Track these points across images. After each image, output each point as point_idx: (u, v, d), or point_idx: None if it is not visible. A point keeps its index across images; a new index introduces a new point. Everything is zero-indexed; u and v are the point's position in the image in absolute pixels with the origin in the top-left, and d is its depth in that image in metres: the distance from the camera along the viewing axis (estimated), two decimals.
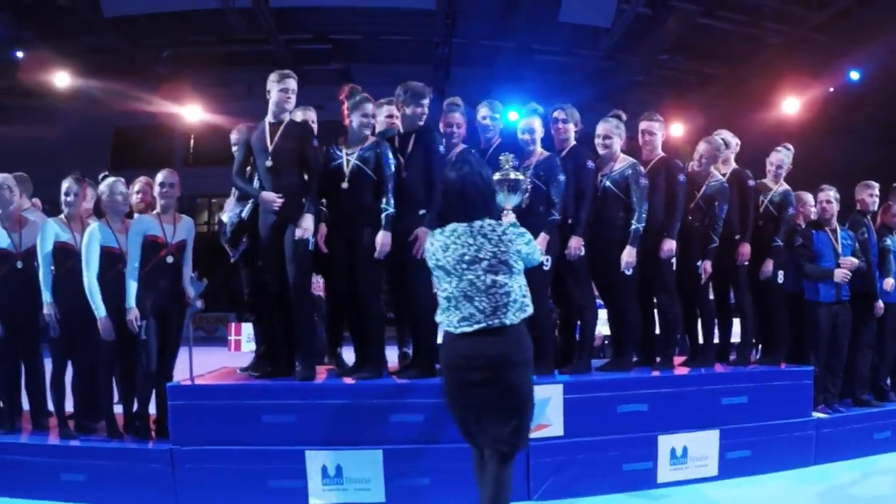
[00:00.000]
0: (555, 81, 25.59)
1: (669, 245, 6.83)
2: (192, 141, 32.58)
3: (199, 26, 24.82)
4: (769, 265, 7.39)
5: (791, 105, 23.22)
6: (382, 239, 6.25)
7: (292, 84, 6.47)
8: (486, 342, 4.40)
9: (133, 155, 31.46)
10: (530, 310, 4.57)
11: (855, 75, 22.35)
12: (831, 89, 23.44)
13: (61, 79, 24.67)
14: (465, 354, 4.43)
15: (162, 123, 30.01)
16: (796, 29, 21.71)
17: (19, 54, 24.24)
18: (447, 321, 4.53)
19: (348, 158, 6.40)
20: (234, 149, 6.86)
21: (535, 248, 4.69)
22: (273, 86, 6.46)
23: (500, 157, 5.37)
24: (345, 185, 6.36)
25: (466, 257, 4.44)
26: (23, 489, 6.31)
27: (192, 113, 27.15)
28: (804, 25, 21.44)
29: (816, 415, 7.15)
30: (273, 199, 6.26)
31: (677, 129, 25.04)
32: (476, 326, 4.42)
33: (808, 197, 8.01)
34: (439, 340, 6.56)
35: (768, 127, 22.68)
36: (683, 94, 28.15)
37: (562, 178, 6.53)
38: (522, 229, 4.63)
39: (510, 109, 19.44)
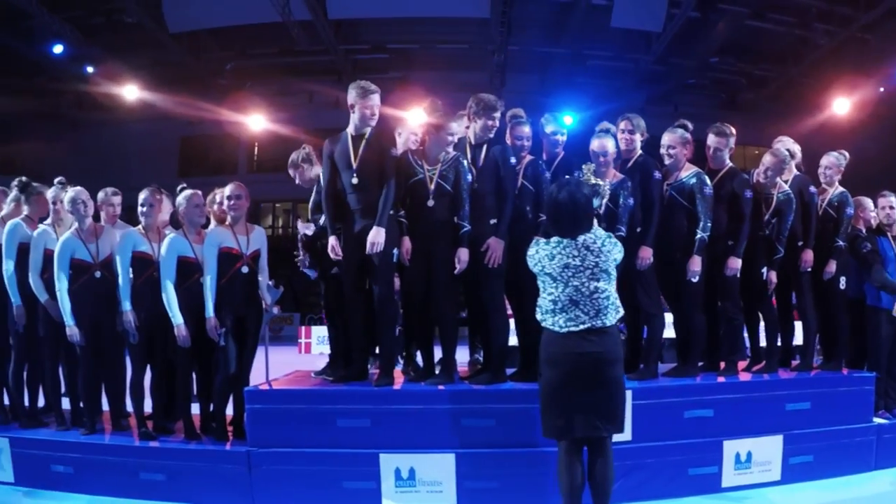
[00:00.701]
0: (607, 86, 25.52)
1: (735, 264, 6.75)
2: (255, 149, 32.90)
3: (260, 39, 25.18)
4: (832, 266, 7.25)
5: (841, 105, 22.81)
6: (463, 256, 6.26)
7: (376, 100, 6.40)
8: (589, 341, 4.87)
9: (199, 163, 32.03)
10: (622, 311, 5.09)
11: None
12: (881, 89, 22.98)
13: (130, 92, 25.16)
14: (571, 351, 4.88)
15: (227, 132, 30.38)
16: (845, 29, 21.40)
17: (89, 69, 24.68)
18: (552, 321, 4.97)
19: (430, 175, 6.38)
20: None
21: (622, 253, 5.16)
22: (357, 101, 6.37)
23: (583, 167, 5.70)
24: (430, 202, 6.34)
25: (571, 266, 4.91)
26: (103, 487, 6.43)
27: (255, 122, 27.47)
28: (853, 26, 21.12)
29: (877, 420, 6.97)
30: (334, 250, 6.36)
31: None
32: (581, 326, 4.89)
33: (868, 202, 7.85)
34: (511, 343, 6.76)
35: (819, 127, 22.40)
36: (734, 96, 27.86)
37: (631, 201, 6.51)
38: (615, 239, 5.15)
39: (565, 114, 19.41)
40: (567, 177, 5.56)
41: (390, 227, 6.24)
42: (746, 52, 25.14)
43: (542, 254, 4.99)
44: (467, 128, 6.69)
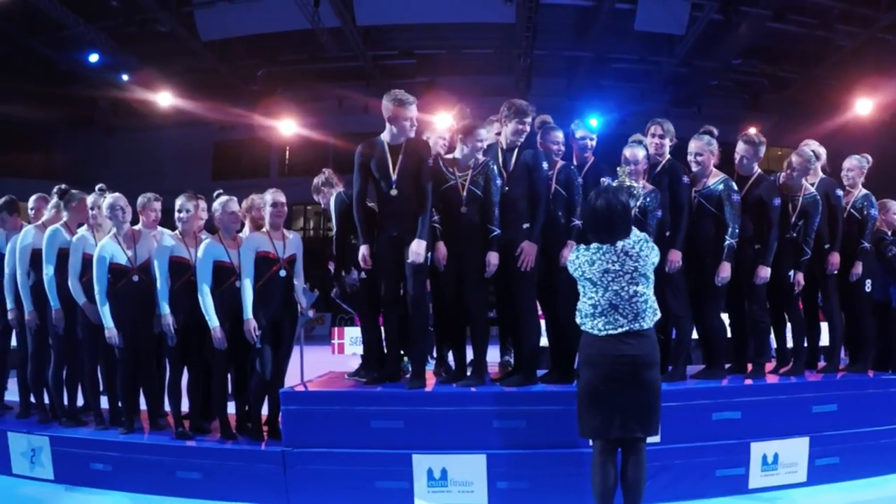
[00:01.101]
0: (632, 89, 25.38)
1: (764, 272, 6.67)
2: (287, 153, 32.94)
3: (290, 46, 25.29)
4: (858, 267, 7.18)
5: (864, 106, 22.57)
6: (493, 259, 6.28)
7: (415, 111, 6.36)
8: (628, 343, 4.89)
9: (232, 167, 32.20)
10: (660, 313, 5.11)
11: None
12: None
13: (164, 98, 25.40)
14: (609, 353, 4.89)
15: (258, 137, 30.50)
16: (866, 30, 21.14)
17: (124, 77, 24.93)
18: (591, 325, 4.98)
19: (462, 181, 6.38)
20: None
21: (658, 256, 5.17)
22: (394, 112, 6.30)
23: (617, 169, 5.72)
24: (463, 209, 6.35)
25: (611, 271, 4.92)
26: (141, 485, 6.50)
27: (286, 127, 27.58)
28: (874, 27, 20.86)
29: None
30: (365, 261, 6.41)
31: (752, 132, 24.63)
32: (620, 330, 4.91)
33: (893, 204, 7.79)
34: (542, 344, 6.75)
35: (842, 127, 22.26)
36: (757, 97, 27.65)
37: (659, 213, 6.51)
38: (652, 243, 5.12)
39: (591, 117, 19.33)
40: (605, 183, 5.53)
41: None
42: (769, 54, 24.87)
43: (582, 259, 5.00)
44: (498, 134, 6.68)
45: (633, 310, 4.90)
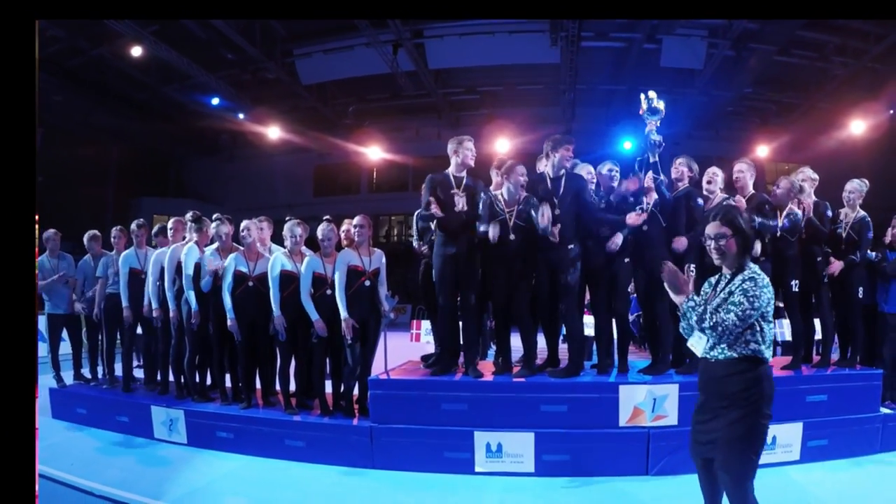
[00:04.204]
0: None
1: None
2: (374, 173, 33.05)
3: (375, 87, 25.40)
4: (852, 276, 6.95)
5: (857, 126, 22.02)
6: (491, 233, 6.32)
7: (471, 147, 6.54)
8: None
9: (330, 185, 32.46)
10: None
11: None
12: (892, 111, 22.10)
13: (273, 132, 25.76)
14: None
15: (351, 161, 30.47)
16: (859, 61, 20.49)
17: (240, 115, 25.41)
18: (769, 354, 3.96)
19: (510, 215, 6.41)
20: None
21: None
22: (458, 147, 6.51)
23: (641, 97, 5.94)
24: (511, 236, 6.37)
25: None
26: (256, 450, 6.72)
27: (373, 152, 27.64)
28: (865, 57, 20.19)
29: (883, 410, 6.65)
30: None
31: (763, 151, 24.41)
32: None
33: None
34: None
35: (840, 145, 21.87)
36: (766, 120, 27.05)
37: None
38: None
39: (625, 140, 19.01)
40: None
41: (474, 252, 6.45)
42: (776, 83, 24.22)
43: (771, 293, 3.86)
44: (545, 165, 6.66)
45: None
